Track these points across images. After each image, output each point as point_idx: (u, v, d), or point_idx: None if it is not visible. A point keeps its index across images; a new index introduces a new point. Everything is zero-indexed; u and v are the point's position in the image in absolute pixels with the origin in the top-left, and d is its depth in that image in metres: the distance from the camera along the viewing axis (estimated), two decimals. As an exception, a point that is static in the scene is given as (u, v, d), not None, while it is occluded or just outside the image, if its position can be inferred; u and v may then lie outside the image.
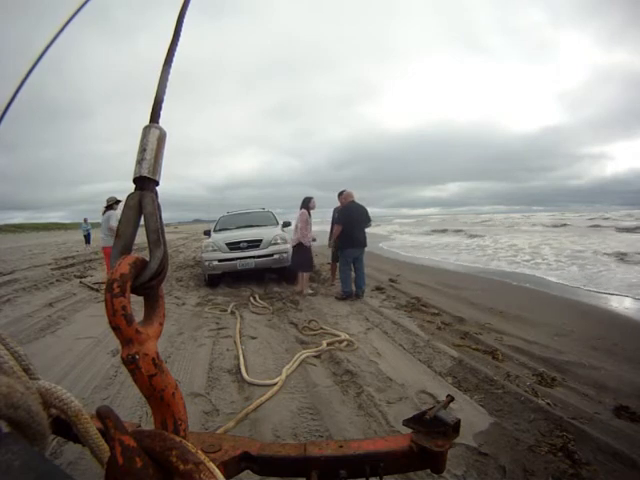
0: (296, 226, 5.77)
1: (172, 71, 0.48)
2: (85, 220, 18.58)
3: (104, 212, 6.24)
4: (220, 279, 6.65)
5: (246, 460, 0.62)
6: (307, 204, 5.66)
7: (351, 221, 5.33)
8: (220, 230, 7.57)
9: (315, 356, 3.12)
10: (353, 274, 5.39)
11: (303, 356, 3.05)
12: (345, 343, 3.36)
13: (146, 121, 0.47)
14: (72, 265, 10.45)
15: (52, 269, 9.52)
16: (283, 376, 2.68)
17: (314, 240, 5.86)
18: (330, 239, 6.19)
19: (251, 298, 5.41)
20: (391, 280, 6.44)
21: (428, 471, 0.65)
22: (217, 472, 0.34)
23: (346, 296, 5.20)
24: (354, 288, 5.33)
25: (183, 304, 5.32)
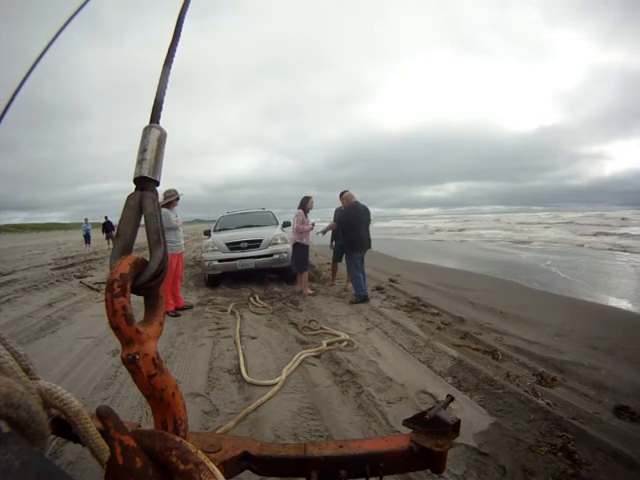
0: (292, 226, 5.75)
1: (171, 71, 0.48)
2: (86, 220, 18.59)
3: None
4: (220, 279, 6.65)
5: (246, 460, 0.62)
6: (305, 204, 5.63)
7: (358, 222, 5.17)
8: (220, 230, 7.57)
9: (315, 356, 3.12)
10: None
11: (303, 356, 3.05)
12: (345, 343, 3.36)
13: (145, 122, 0.47)
14: (72, 265, 10.46)
15: (52, 269, 9.53)
16: (283, 376, 2.68)
17: (313, 225, 5.70)
18: (332, 240, 6.16)
19: (251, 298, 5.41)
20: (391, 280, 6.44)
21: (428, 471, 0.65)
22: (217, 472, 0.34)
23: (361, 300, 4.99)
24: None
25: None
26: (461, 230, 26.70)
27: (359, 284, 5.08)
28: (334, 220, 6.07)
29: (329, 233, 6.44)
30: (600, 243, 13.24)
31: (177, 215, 4.88)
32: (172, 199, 4.75)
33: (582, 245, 13.13)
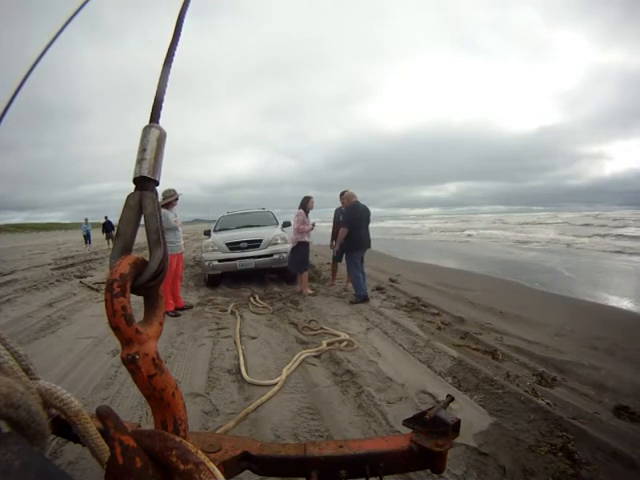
0: (293, 226, 5.75)
1: (171, 71, 0.48)
2: (86, 220, 18.61)
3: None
4: (220, 279, 6.65)
5: (246, 460, 0.61)
6: (305, 204, 5.64)
7: (358, 222, 5.19)
8: (220, 230, 7.57)
9: (315, 356, 3.12)
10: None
11: (303, 356, 3.05)
12: (345, 343, 3.36)
13: (145, 122, 0.47)
14: (72, 265, 10.47)
15: (52, 269, 9.53)
16: (283, 376, 2.68)
17: (314, 225, 5.72)
18: (332, 240, 6.15)
19: (251, 298, 5.41)
20: (391, 280, 6.44)
21: (428, 471, 0.65)
22: (217, 472, 0.34)
23: (361, 299, 5.00)
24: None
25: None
26: (461, 231, 27.07)
27: (359, 284, 5.08)
28: (334, 220, 6.08)
29: (329, 232, 6.44)
30: (591, 243, 13.51)
31: (176, 215, 4.83)
32: (171, 199, 4.69)
33: (569, 245, 13.48)
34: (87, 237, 17.78)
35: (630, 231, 17.31)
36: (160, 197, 4.61)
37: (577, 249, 12.12)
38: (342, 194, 5.80)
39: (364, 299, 5.01)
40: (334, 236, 6.13)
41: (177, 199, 4.80)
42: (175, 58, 0.48)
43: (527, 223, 33.32)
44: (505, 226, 30.29)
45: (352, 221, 5.20)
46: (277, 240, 6.51)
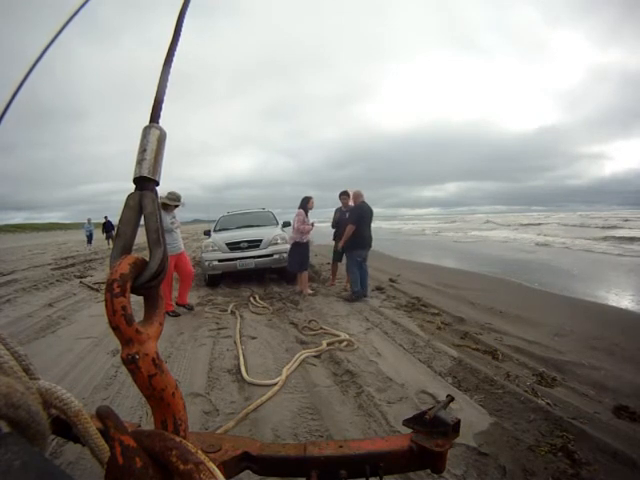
0: (293, 226, 5.76)
1: (171, 71, 0.48)
2: (89, 220, 18.58)
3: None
4: (220, 279, 6.65)
5: (246, 460, 0.61)
6: (305, 204, 5.65)
7: (364, 221, 5.27)
8: (220, 230, 7.57)
9: (315, 356, 3.12)
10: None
11: (303, 356, 3.05)
12: (345, 343, 3.36)
13: (145, 122, 0.47)
14: (72, 265, 10.47)
15: (52, 269, 9.53)
16: (283, 376, 2.68)
17: (313, 225, 5.72)
18: (336, 239, 6.13)
19: (251, 298, 5.41)
20: (391, 280, 6.44)
21: (428, 471, 0.65)
22: (217, 472, 0.34)
23: (357, 297, 5.06)
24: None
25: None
26: (464, 231, 27.38)
27: (355, 280, 5.15)
28: (334, 221, 6.08)
29: (328, 232, 6.44)
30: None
31: (174, 217, 4.73)
32: (170, 203, 4.57)
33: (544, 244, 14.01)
34: (90, 237, 17.75)
35: (620, 232, 17.66)
36: (164, 194, 4.59)
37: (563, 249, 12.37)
38: (342, 194, 5.81)
39: (359, 296, 5.07)
40: (339, 235, 6.11)
41: (177, 206, 4.70)
42: (175, 58, 0.48)
43: (521, 224, 33.84)
44: (496, 226, 31.27)
45: (359, 219, 5.25)
46: (277, 240, 6.51)
